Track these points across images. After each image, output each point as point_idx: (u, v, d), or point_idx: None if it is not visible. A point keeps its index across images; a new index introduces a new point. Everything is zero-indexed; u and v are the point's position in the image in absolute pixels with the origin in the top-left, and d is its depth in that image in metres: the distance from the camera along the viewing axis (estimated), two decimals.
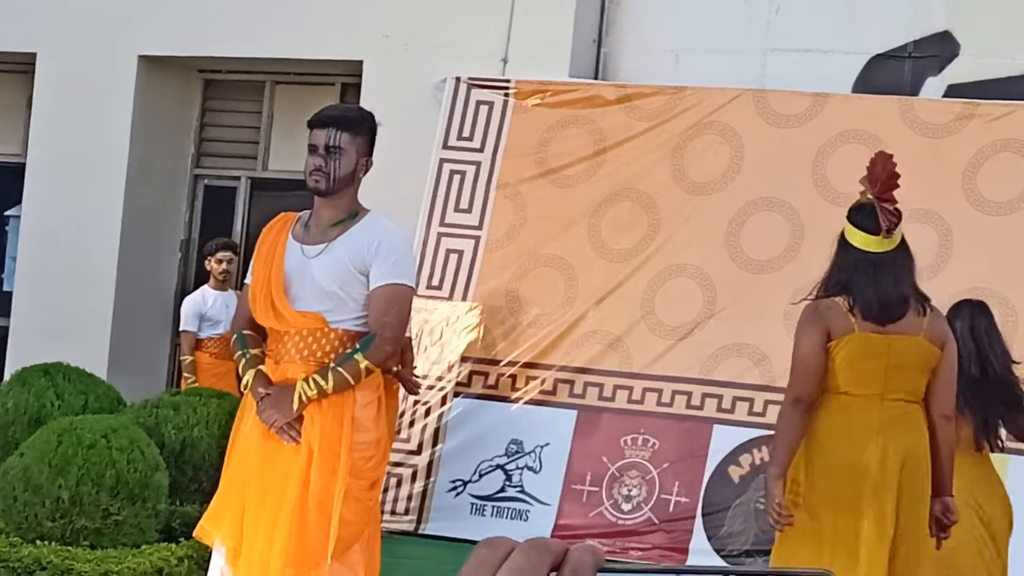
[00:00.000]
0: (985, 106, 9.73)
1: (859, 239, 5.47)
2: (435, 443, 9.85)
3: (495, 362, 9.95)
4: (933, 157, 9.57)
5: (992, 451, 6.45)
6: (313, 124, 5.65)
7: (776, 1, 10.84)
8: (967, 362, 6.18)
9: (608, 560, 1.11)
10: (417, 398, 9.60)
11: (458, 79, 10.78)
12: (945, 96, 10.28)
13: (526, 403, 9.82)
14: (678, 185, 10.10)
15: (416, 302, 6.12)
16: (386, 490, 9.29)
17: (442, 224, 10.46)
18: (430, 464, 9.81)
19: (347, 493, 5.38)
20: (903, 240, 5.52)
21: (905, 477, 5.41)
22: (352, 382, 5.40)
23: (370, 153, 5.67)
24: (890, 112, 9.83)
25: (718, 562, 9.05)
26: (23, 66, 12.81)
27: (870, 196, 5.48)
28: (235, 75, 12.69)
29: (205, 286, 11.16)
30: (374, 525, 5.68)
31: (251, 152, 12.83)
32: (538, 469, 9.69)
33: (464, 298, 10.20)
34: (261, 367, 5.53)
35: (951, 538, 5.65)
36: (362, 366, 5.38)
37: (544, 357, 9.88)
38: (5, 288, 13.07)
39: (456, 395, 9.92)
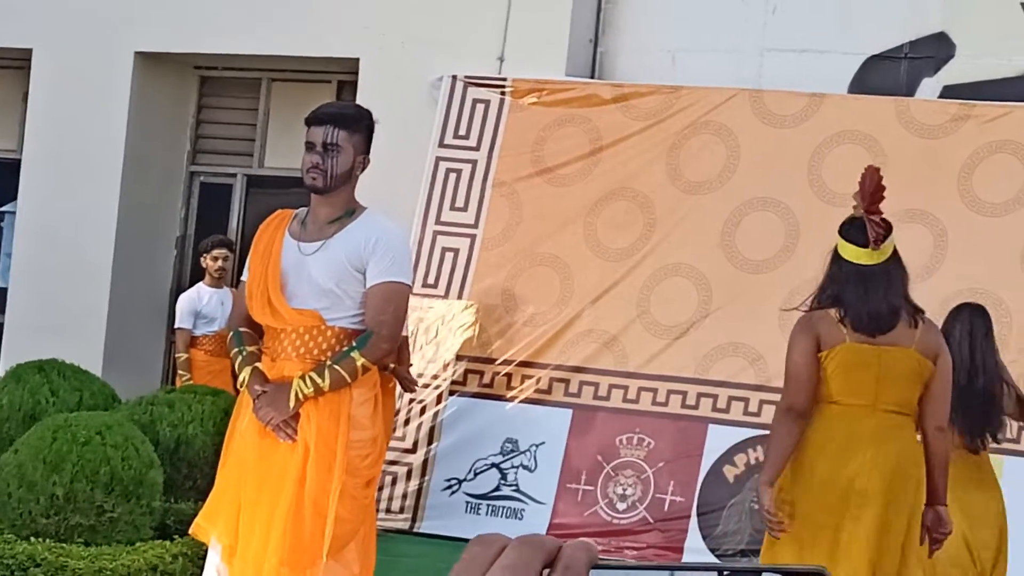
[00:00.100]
0: (981, 107, 9.74)
1: (850, 252, 5.54)
2: (430, 441, 9.84)
3: (490, 361, 9.94)
4: (929, 158, 9.58)
5: (978, 452, 6.52)
6: (310, 121, 5.64)
7: (772, 1, 10.84)
8: (959, 370, 6.23)
9: (602, 559, 1.11)
10: (412, 396, 9.61)
11: (454, 77, 10.77)
12: (941, 97, 10.29)
13: (521, 402, 9.82)
14: (674, 184, 10.10)
15: (412, 300, 6.11)
16: (381, 488, 9.29)
17: (438, 222, 10.45)
18: (425, 462, 9.81)
19: (343, 491, 5.38)
20: (895, 252, 5.58)
21: (894, 487, 5.44)
22: (349, 380, 5.39)
23: (367, 151, 5.66)
24: (886, 113, 9.83)
25: (713, 561, 9.05)
26: (19, 62, 12.80)
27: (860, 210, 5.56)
28: (231, 72, 12.68)
29: (200, 283, 11.16)
30: (370, 523, 5.68)
31: (247, 149, 12.83)
32: (533, 468, 9.68)
33: (460, 296, 10.20)
34: (258, 364, 5.53)
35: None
36: (359, 364, 5.38)
37: (539, 356, 9.88)
38: (0, 284, 13.06)
39: (451, 394, 9.92)
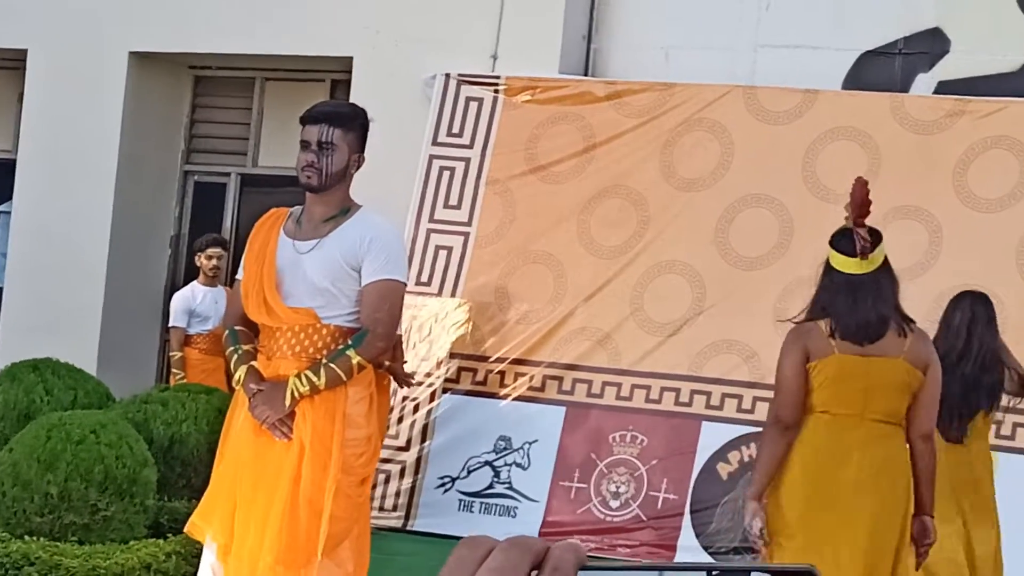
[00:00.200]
0: (975, 103, 9.74)
1: (840, 262, 5.61)
2: (423, 439, 9.84)
3: (484, 358, 9.94)
4: (923, 154, 9.58)
5: (960, 442, 6.59)
6: (305, 120, 5.65)
7: None
8: (950, 355, 6.33)
9: (594, 557, 1.11)
10: (405, 394, 9.61)
11: (448, 75, 10.77)
12: (935, 93, 10.29)
13: (514, 399, 9.81)
14: (667, 182, 10.10)
15: (405, 298, 6.11)
16: (374, 486, 9.28)
17: (431, 220, 10.45)
18: (418, 460, 9.81)
19: (338, 489, 5.38)
20: (885, 261, 5.64)
21: (883, 494, 5.47)
22: (344, 378, 5.40)
23: (362, 149, 5.66)
24: (880, 109, 9.83)
25: (706, 559, 9.05)
26: (14, 62, 12.80)
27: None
28: (225, 71, 12.68)
29: (194, 282, 11.16)
30: (364, 522, 5.68)
31: (241, 148, 12.82)
32: (526, 466, 9.68)
33: (453, 294, 10.19)
34: (253, 363, 5.53)
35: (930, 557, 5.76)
36: (354, 362, 5.38)
37: (533, 354, 9.87)
38: None
39: (444, 391, 9.91)
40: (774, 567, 1.18)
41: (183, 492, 7.80)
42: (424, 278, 10.23)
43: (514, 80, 10.62)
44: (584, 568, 1.09)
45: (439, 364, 9.97)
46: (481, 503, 9.69)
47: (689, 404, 9.55)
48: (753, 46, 10.82)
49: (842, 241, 5.62)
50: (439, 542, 9.11)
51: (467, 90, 10.68)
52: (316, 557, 5.37)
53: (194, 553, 6.57)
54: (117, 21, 12.13)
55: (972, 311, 6.80)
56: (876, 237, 5.61)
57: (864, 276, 5.55)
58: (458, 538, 1.13)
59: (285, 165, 11.31)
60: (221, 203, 12.78)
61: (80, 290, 12.11)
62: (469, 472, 9.76)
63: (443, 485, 9.76)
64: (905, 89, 10.35)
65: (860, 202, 5.57)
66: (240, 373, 5.51)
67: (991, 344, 6.75)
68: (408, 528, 9.64)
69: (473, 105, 10.62)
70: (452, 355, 9.98)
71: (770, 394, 5.97)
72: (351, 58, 11.47)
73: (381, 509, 9.55)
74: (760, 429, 7.08)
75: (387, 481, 9.71)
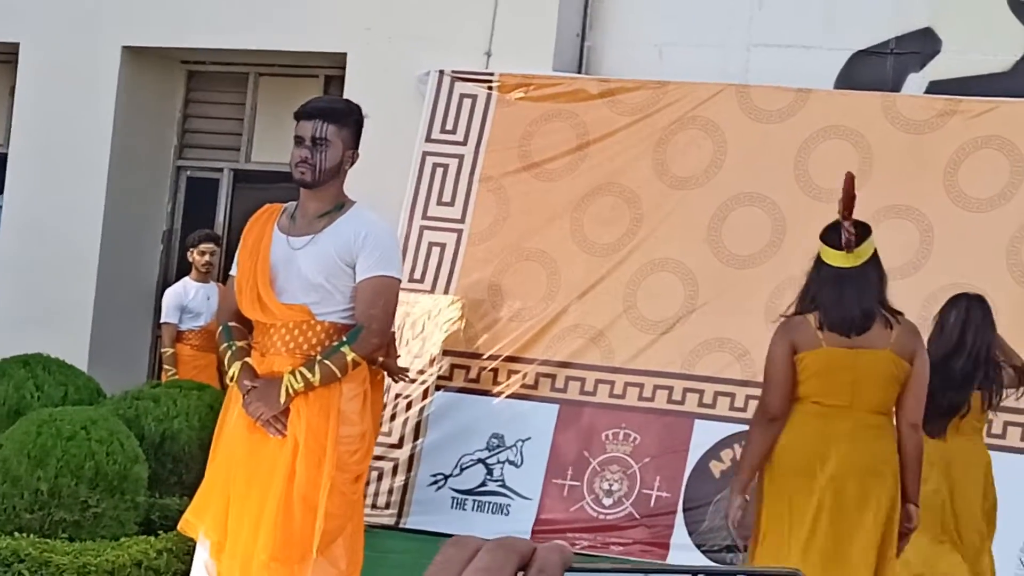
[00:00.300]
0: (967, 102, 9.75)
1: (829, 255, 5.69)
2: (416, 437, 9.84)
3: (477, 356, 9.94)
4: (915, 153, 9.59)
5: (935, 436, 6.63)
6: (300, 116, 5.64)
7: None
8: (941, 352, 6.39)
9: (586, 556, 1.11)
10: (398, 392, 9.61)
11: (441, 72, 10.76)
12: (927, 92, 10.30)
13: (507, 397, 9.81)
14: (660, 180, 10.10)
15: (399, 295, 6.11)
16: (367, 484, 9.28)
17: (424, 217, 10.44)
18: (411, 458, 9.81)
19: (332, 486, 5.38)
20: (874, 255, 5.71)
21: (869, 482, 5.51)
22: (339, 375, 5.40)
23: (356, 145, 5.67)
24: (872, 108, 9.84)
25: (699, 557, 9.06)
26: (6, 56, 12.78)
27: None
28: (218, 67, 12.66)
29: (186, 278, 11.15)
30: (357, 519, 5.68)
31: (234, 144, 12.81)
32: (519, 463, 9.68)
33: (446, 291, 10.19)
34: (247, 359, 5.52)
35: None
36: (349, 359, 5.38)
37: (526, 351, 9.88)
38: None
39: (437, 389, 9.91)
40: (759, 571, 1.18)
41: (174, 489, 7.79)
42: (417, 275, 10.22)
43: (508, 77, 10.62)
44: (570, 569, 1.09)
45: (432, 361, 9.96)
46: (474, 501, 9.69)
47: (682, 402, 9.56)
48: (746, 45, 10.83)
49: (832, 234, 5.69)
50: (432, 540, 9.11)
51: (461, 87, 10.68)
52: (311, 554, 5.36)
53: (185, 550, 6.57)
54: (110, 15, 12.12)
55: (967, 312, 6.83)
56: (864, 231, 5.68)
57: (851, 269, 5.62)
58: (450, 536, 1.13)
59: (278, 161, 11.31)
60: (214, 198, 12.78)
61: (72, 285, 12.10)
62: (462, 470, 9.76)
63: (436, 483, 9.76)
64: (897, 89, 10.36)
65: (847, 196, 5.62)
66: (234, 370, 5.50)
67: (986, 340, 6.78)
68: (401, 526, 9.64)
69: (467, 102, 10.61)
70: (445, 352, 9.98)
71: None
72: (345, 54, 11.46)
73: (374, 507, 9.55)
74: None
75: (380, 479, 9.70)
